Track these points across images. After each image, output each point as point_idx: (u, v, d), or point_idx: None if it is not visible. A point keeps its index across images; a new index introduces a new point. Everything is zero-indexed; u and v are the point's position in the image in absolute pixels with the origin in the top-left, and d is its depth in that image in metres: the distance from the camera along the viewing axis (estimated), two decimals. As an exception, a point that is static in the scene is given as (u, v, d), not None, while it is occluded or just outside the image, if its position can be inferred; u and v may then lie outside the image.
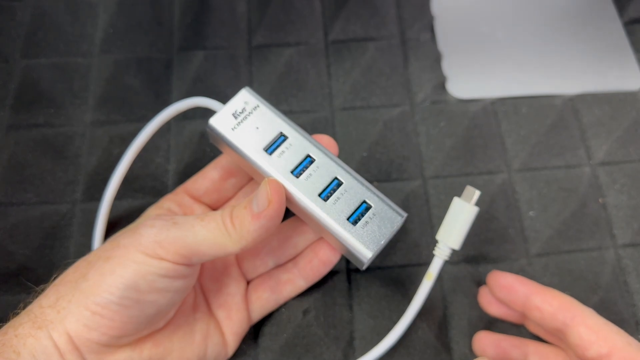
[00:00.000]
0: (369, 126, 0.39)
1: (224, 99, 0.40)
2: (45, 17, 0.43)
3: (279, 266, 0.33)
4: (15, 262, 0.35)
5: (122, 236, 0.27)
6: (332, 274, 0.35)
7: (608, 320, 0.28)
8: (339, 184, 0.28)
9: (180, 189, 0.34)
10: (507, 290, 0.30)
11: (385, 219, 0.28)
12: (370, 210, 0.28)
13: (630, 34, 0.43)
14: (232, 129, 0.29)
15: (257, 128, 0.29)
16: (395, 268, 0.35)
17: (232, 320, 0.32)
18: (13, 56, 0.41)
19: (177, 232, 0.26)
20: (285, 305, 0.34)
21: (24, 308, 0.26)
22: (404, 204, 0.37)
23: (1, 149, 0.38)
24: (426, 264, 0.35)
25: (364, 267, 0.29)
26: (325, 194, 0.28)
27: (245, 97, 0.30)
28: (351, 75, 0.41)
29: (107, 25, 0.43)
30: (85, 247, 0.35)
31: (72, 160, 0.38)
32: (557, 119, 0.40)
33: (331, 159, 0.29)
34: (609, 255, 0.36)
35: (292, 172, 0.28)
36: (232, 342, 0.31)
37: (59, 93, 0.40)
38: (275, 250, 0.33)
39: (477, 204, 0.36)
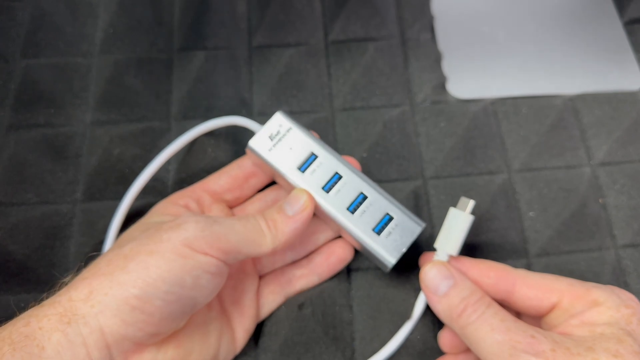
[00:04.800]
0: (369, 126, 0.39)
1: (224, 99, 0.40)
2: (45, 17, 0.43)
3: (292, 263, 0.35)
4: (15, 262, 0.35)
5: (163, 230, 0.27)
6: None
7: (542, 273, 0.29)
8: (364, 198, 0.32)
9: (198, 187, 0.34)
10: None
11: (406, 229, 0.31)
12: (392, 222, 0.32)
13: (630, 34, 0.43)
14: (269, 150, 0.33)
15: (291, 149, 0.33)
16: (395, 269, 0.35)
17: (244, 316, 0.32)
18: (13, 56, 0.41)
19: (221, 229, 0.27)
20: (284, 302, 0.34)
21: (48, 297, 0.26)
22: (404, 205, 0.37)
23: (1, 149, 0.38)
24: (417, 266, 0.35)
25: (388, 270, 0.32)
26: (353, 207, 0.32)
27: (279, 120, 0.33)
28: (351, 75, 0.41)
29: (108, 25, 0.43)
30: (85, 247, 0.35)
31: (73, 160, 0.38)
32: (557, 119, 0.40)
33: (357, 175, 0.32)
34: (609, 256, 0.36)
35: (322, 188, 0.32)
36: (242, 338, 0.32)
37: (59, 93, 0.40)
38: (296, 246, 0.34)
39: (477, 205, 0.37)
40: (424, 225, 0.32)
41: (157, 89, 0.41)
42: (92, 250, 0.35)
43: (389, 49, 0.43)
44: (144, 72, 0.41)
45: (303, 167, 0.32)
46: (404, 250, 0.31)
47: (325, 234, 0.35)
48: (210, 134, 0.39)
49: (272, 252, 0.29)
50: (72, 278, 0.27)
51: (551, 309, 0.28)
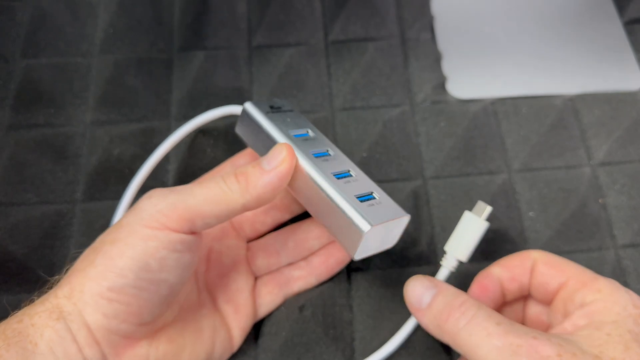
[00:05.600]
0: (369, 126, 0.39)
1: (224, 99, 0.40)
2: (45, 17, 0.43)
3: (289, 264, 0.34)
4: (15, 262, 0.35)
5: (124, 216, 0.27)
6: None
7: (560, 256, 0.29)
8: (351, 175, 0.30)
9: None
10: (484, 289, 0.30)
11: (389, 209, 0.29)
12: (376, 199, 0.29)
13: (630, 34, 0.43)
14: (266, 113, 0.31)
15: (289, 120, 0.31)
16: (396, 268, 0.35)
17: (239, 314, 0.32)
18: (13, 56, 0.41)
19: (176, 197, 0.26)
20: (283, 303, 0.34)
21: (38, 297, 0.26)
22: (404, 204, 0.37)
23: (1, 149, 0.38)
24: (427, 264, 0.35)
25: (356, 254, 0.28)
26: (339, 177, 0.29)
27: (282, 102, 0.33)
28: (351, 75, 0.41)
29: (108, 25, 0.43)
30: (85, 247, 0.35)
31: (73, 160, 0.38)
32: (557, 119, 0.40)
33: (347, 158, 0.31)
34: (609, 256, 0.36)
35: (312, 153, 0.30)
36: (238, 336, 0.32)
37: (59, 93, 0.40)
38: (291, 251, 0.34)
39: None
40: (408, 215, 0.29)
41: (157, 89, 0.41)
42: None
43: (389, 49, 0.43)
44: (144, 72, 0.41)
45: (296, 135, 0.31)
46: (384, 225, 0.28)
47: (320, 240, 0.34)
48: (209, 134, 0.39)
49: (243, 208, 0.27)
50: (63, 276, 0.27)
51: (558, 290, 0.28)
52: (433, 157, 0.39)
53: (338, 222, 0.28)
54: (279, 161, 0.27)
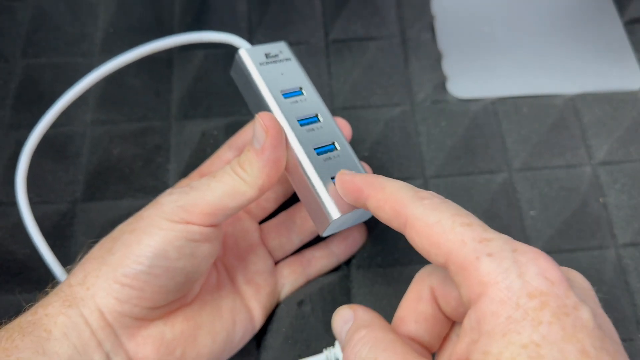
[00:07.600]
0: (370, 126, 0.39)
1: (224, 97, 0.40)
2: (45, 16, 0.43)
3: (310, 246, 0.35)
4: (16, 262, 0.35)
5: (144, 209, 0.27)
6: (333, 271, 0.35)
7: (448, 211, 0.21)
8: (335, 149, 0.29)
9: (195, 174, 0.35)
10: (353, 194, 0.26)
11: None
12: None
13: (630, 33, 0.43)
14: (260, 64, 0.30)
15: (282, 74, 0.30)
16: (397, 267, 0.35)
17: (260, 295, 0.32)
18: (13, 56, 0.41)
19: (197, 193, 0.27)
20: (282, 300, 0.34)
21: (52, 288, 0.27)
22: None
23: (2, 148, 0.38)
24: (428, 262, 0.35)
25: (325, 233, 0.29)
26: (320, 150, 0.29)
27: (282, 47, 0.31)
28: (352, 74, 0.41)
29: (108, 24, 0.43)
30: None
31: (73, 160, 0.38)
32: (557, 119, 0.40)
33: (336, 126, 0.30)
34: (609, 255, 0.36)
35: (298, 120, 0.29)
36: (260, 316, 0.32)
37: (59, 93, 0.40)
38: (299, 227, 0.35)
39: (478, 204, 0.37)
40: None
41: (157, 88, 0.41)
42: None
43: (390, 48, 0.43)
44: (144, 71, 0.41)
45: (286, 94, 0.30)
46: (352, 213, 0.28)
47: None
48: (209, 134, 0.39)
49: (260, 193, 0.27)
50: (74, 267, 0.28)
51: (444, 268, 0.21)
52: (434, 157, 0.39)
53: (311, 201, 0.29)
54: (263, 134, 0.27)
